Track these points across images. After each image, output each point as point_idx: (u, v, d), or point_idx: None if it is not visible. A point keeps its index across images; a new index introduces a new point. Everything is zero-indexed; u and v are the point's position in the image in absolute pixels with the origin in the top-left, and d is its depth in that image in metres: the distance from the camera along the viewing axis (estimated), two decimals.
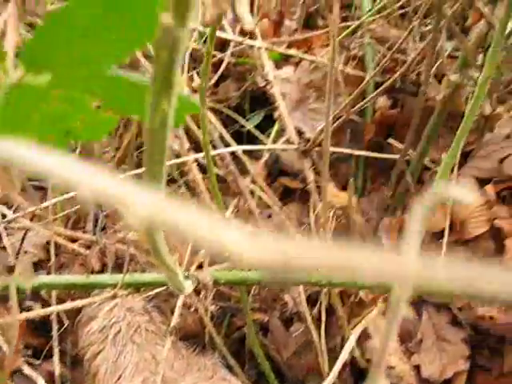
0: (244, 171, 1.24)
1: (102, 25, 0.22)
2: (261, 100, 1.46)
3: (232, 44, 1.25)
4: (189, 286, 0.67)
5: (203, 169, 1.23)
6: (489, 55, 0.76)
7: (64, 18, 0.22)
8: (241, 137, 1.50)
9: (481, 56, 1.11)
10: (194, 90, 1.36)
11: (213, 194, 0.98)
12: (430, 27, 1.37)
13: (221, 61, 1.38)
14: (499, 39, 0.76)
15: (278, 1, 1.71)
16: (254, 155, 1.41)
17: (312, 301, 1.10)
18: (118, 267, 1.05)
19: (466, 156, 1.33)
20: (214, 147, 1.11)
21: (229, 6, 0.29)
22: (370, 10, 1.53)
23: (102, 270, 1.07)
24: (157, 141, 0.25)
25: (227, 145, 1.16)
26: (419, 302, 1.11)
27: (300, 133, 1.30)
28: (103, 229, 1.13)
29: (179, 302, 0.92)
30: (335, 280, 0.80)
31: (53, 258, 1.02)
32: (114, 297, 0.80)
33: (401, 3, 1.56)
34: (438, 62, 1.26)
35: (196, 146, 1.15)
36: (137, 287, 0.84)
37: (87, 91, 0.27)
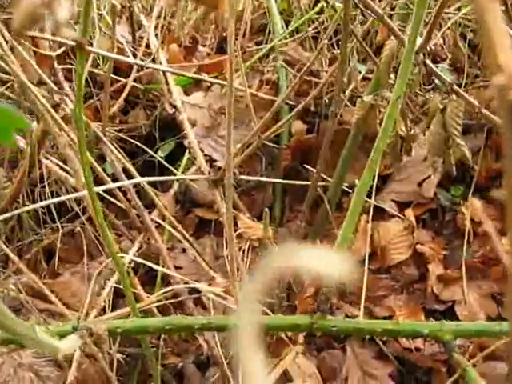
0: (153, 204, 1.15)
1: None
2: (172, 126, 1.38)
3: (135, 68, 1.17)
4: (70, 344, 0.58)
5: (108, 202, 1.14)
6: (400, 72, 0.71)
7: None
8: (153, 166, 1.42)
9: (394, 75, 1.07)
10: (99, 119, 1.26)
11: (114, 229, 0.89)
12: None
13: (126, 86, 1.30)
14: (409, 55, 0.71)
15: (191, 26, 1.65)
16: (166, 186, 1.33)
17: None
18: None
19: (384, 180, 1.30)
20: (116, 180, 1.02)
21: (43, 12, 0.22)
22: (282, 33, 1.49)
23: None
24: None
25: (132, 177, 1.08)
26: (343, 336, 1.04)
27: (212, 160, 1.23)
28: None
29: (76, 354, 0.82)
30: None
31: None
32: None
33: (314, 26, 1.53)
34: (352, 85, 1.22)
35: (98, 180, 1.06)
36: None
37: None
